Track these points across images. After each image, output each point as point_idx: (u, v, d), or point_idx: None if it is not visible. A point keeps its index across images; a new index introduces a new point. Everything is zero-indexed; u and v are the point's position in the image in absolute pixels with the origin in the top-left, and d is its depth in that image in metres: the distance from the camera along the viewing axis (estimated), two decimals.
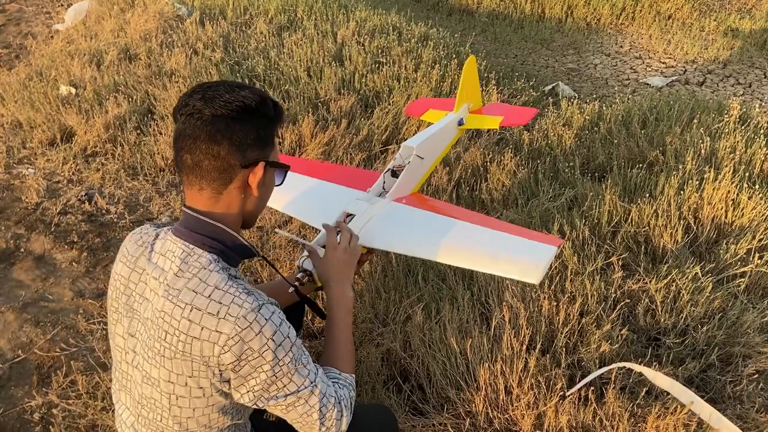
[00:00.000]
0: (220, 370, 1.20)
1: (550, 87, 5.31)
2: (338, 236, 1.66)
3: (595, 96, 5.26)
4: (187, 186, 1.28)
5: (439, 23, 7.14)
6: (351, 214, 1.87)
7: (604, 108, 4.25)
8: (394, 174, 2.09)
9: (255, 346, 1.17)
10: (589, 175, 3.38)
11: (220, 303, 1.18)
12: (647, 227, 2.82)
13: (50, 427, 2.11)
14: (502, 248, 1.75)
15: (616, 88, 5.58)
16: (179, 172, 1.29)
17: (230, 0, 5.96)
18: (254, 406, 1.26)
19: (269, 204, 1.97)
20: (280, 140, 3.76)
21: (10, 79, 4.69)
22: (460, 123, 2.64)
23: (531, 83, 4.92)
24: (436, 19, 7.42)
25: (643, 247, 2.73)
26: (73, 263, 2.96)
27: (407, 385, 2.17)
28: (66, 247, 3.06)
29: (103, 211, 3.32)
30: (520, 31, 7.16)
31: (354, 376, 1.45)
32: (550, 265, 1.90)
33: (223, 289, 1.20)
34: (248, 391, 1.22)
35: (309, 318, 2.38)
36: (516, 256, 1.70)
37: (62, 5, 7.16)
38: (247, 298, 1.19)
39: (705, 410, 1.74)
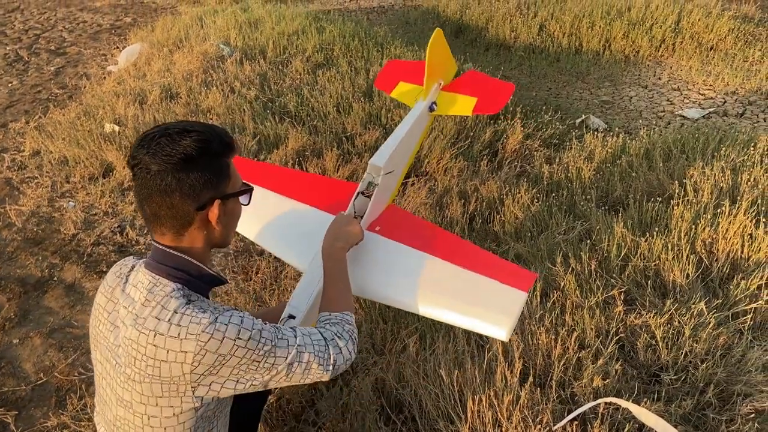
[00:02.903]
0: (192, 387, 1.27)
1: (580, 120, 5.28)
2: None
3: (626, 129, 5.21)
4: (152, 229, 1.36)
5: (475, 58, 7.22)
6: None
7: (628, 141, 4.21)
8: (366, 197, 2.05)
9: (224, 351, 1.25)
10: (605, 208, 3.35)
11: (179, 325, 1.25)
12: (657, 261, 2.78)
13: None
14: (472, 298, 1.71)
15: (649, 121, 5.51)
16: (143, 218, 1.37)
17: (270, 40, 6.21)
18: (263, 389, 1.34)
19: (241, 232, 2.04)
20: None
21: (61, 118, 4.99)
22: (431, 109, 2.52)
23: (557, 116, 4.92)
24: (473, 54, 7.50)
25: (651, 281, 2.69)
26: None
27: (400, 416, 2.19)
28: (95, 276, 3.23)
29: (133, 242, 3.49)
30: (556, 65, 7.16)
31: (350, 312, 1.57)
32: (521, 313, 1.84)
33: (181, 311, 1.27)
34: (236, 384, 1.30)
35: None
36: (485, 310, 1.67)
37: (117, 48, 7.59)
38: (203, 315, 1.27)
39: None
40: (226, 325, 1.26)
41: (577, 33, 7.63)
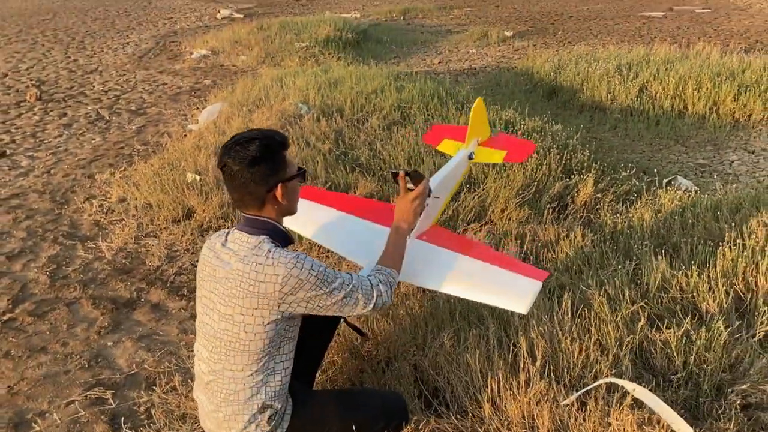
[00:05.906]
0: (278, 302, 2.25)
1: (667, 180, 6.13)
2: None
3: (717, 190, 6.01)
4: (239, 208, 2.42)
5: (567, 120, 8.25)
6: None
7: (702, 196, 5.04)
8: None
9: (303, 277, 2.24)
10: (656, 249, 4.19)
11: (272, 258, 2.27)
12: (694, 293, 3.60)
13: (152, 413, 3.26)
14: (499, 284, 2.68)
15: (745, 185, 6.27)
16: (232, 202, 2.43)
17: (348, 99, 7.49)
18: (316, 313, 2.32)
19: (310, 238, 3.12)
20: None
21: (145, 170, 6.36)
22: (470, 157, 3.75)
23: (634, 172, 5.81)
24: (565, 117, 8.54)
25: (684, 309, 3.50)
26: (182, 310, 4.23)
27: (435, 400, 3.09)
28: (177, 298, 4.36)
29: None
30: (654, 128, 8.06)
31: (396, 271, 2.53)
32: (537, 296, 2.69)
33: (273, 250, 2.29)
34: (307, 304, 2.27)
35: (358, 342, 3.42)
36: (508, 291, 2.63)
37: (197, 108, 9.14)
38: (289, 253, 2.28)
39: (651, 400, 2.55)
40: (303, 260, 2.27)
41: (681, 95, 8.54)
